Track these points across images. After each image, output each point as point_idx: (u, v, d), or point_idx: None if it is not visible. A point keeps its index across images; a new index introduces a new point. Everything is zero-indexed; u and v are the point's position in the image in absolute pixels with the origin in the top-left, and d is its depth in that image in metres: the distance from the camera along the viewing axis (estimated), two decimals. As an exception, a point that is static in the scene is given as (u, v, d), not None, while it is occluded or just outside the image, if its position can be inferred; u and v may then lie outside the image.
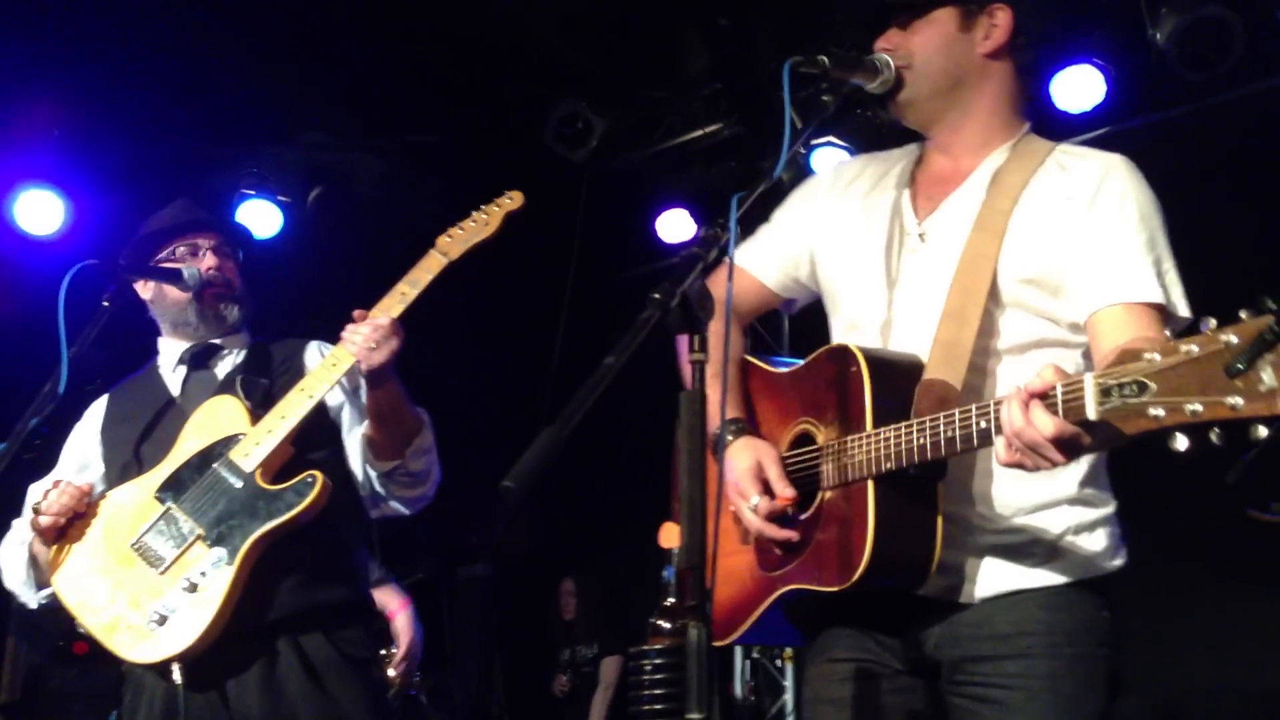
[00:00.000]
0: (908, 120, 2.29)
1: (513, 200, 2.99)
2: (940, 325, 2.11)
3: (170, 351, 3.22)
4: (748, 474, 2.16)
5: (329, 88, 5.89)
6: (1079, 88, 5.28)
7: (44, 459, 3.08)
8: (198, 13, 5.23)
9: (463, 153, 6.25)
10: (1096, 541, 2.13)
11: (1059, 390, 1.76)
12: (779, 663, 6.45)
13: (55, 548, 2.97)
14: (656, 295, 1.76)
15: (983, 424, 1.87)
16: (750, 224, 2.38)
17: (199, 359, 3.18)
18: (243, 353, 3.20)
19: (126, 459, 3.06)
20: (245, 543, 2.81)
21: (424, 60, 5.83)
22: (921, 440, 1.95)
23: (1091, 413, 1.71)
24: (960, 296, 2.11)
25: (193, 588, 2.80)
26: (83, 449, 3.18)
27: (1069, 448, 1.78)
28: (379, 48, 5.65)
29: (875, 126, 5.02)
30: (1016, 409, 1.78)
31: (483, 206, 2.99)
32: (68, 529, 2.96)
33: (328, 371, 2.89)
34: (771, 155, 2.02)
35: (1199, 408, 1.59)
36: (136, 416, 3.12)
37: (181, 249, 3.18)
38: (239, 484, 2.86)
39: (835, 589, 2.04)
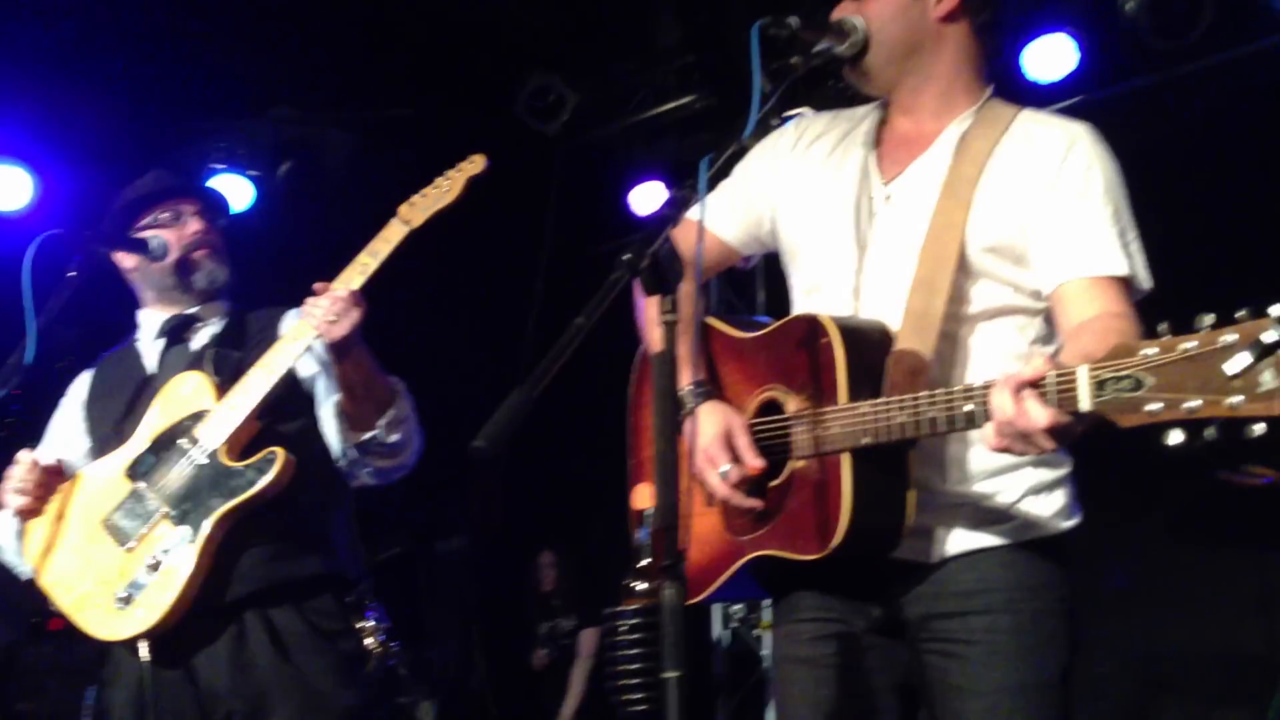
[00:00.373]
0: (867, 88, 2.31)
1: (474, 164, 2.91)
2: (911, 294, 2.12)
3: (149, 324, 3.20)
4: (716, 440, 2.16)
5: (298, 62, 5.84)
6: (1050, 57, 5.28)
7: (17, 435, 3.07)
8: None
9: (433, 126, 6.21)
10: (1054, 501, 2.17)
11: (1051, 380, 1.76)
12: (755, 633, 6.49)
13: (32, 524, 2.98)
14: (626, 256, 1.77)
15: (968, 407, 1.89)
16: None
17: (176, 331, 3.15)
18: (220, 324, 3.17)
19: (107, 434, 3.06)
20: (208, 520, 2.80)
21: (394, 33, 5.78)
22: (902, 419, 1.96)
23: (1085, 404, 1.72)
24: (930, 265, 2.12)
25: (157, 566, 2.81)
26: (67, 425, 3.18)
27: (1061, 436, 1.79)
28: (348, 21, 5.61)
29: (848, 97, 5.00)
30: (1007, 397, 1.79)
31: (446, 172, 2.93)
32: (44, 505, 2.96)
33: (289, 346, 2.87)
34: (743, 122, 2.03)
35: (1198, 404, 1.61)
36: (116, 393, 3.11)
37: (165, 215, 3.15)
38: (204, 461, 2.85)
39: (810, 557, 2.07)
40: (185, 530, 2.81)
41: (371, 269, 2.82)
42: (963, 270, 2.14)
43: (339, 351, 2.81)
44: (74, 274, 2.96)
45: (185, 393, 2.97)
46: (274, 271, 3.38)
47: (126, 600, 2.81)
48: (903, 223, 2.20)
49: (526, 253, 6.26)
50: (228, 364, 3.00)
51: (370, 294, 2.84)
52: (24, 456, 3.04)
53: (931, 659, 2.15)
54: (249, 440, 2.89)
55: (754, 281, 6.53)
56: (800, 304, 2.33)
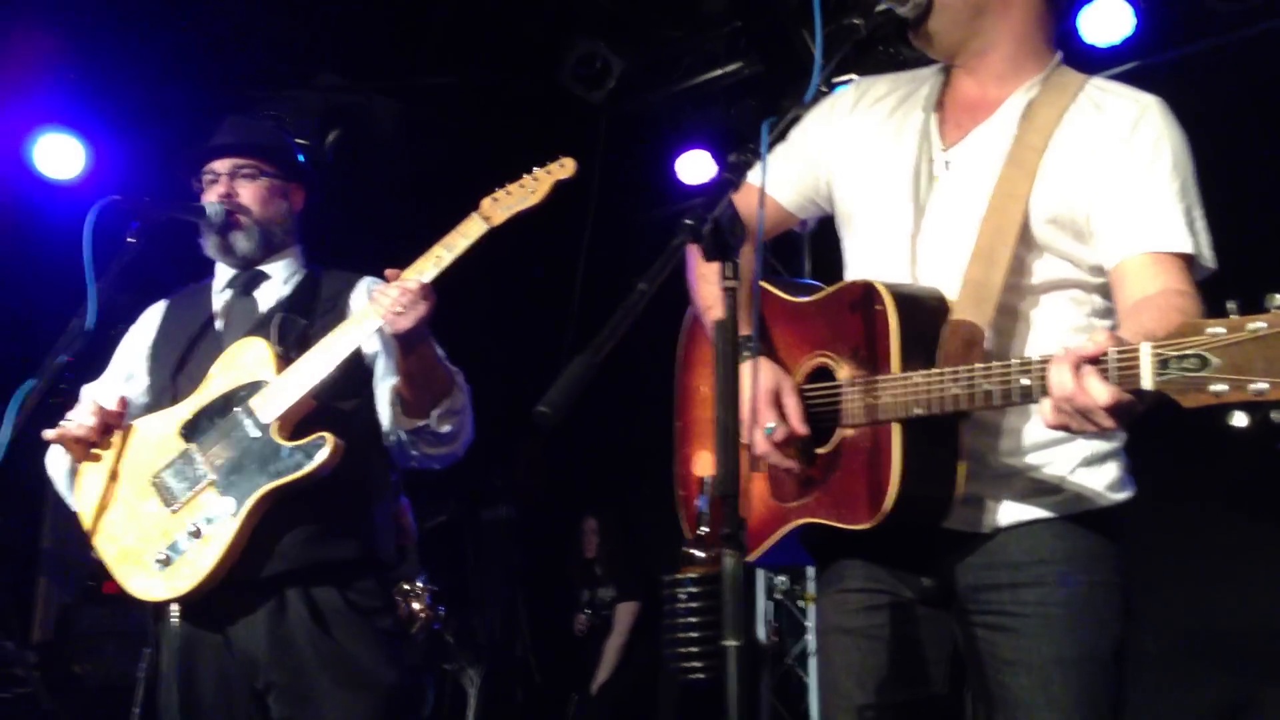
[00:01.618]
0: (931, 51, 2.25)
1: (564, 167, 2.84)
2: (970, 264, 2.09)
3: (221, 273, 3.19)
4: (765, 396, 2.13)
5: (345, 30, 5.85)
6: (1107, 20, 5.19)
7: (74, 400, 3.10)
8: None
9: (480, 94, 6.21)
10: (1107, 474, 2.14)
11: (1113, 356, 1.73)
12: (801, 604, 6.49)
13: (85, 466, 2.99)
14: (688, 221, 1.75)
15: (1024, 381, 1.85)
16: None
17: (245, 286, 3.13)
18: (291, 284, 3.14)
19: (164, 383, 3.06)
20: (252, 496, 2.80)
21: (440, 1, 5.77)
22: (956, 391, 1.93)
23: (1147, 382, 1.69)
24: (991, 235, 2.09)
25: (197, 533, 2.81)
26: (131, 359, 3.18)
27: (1122, 415, 1.75)
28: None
29: (899, 63, 4.95)
30: (1067, 372, 1.75)
31: (534, 171, 2.84)
32: (98, 448, 2.96)
33: (353, 330, 2.83)
34: (793, 92, 1.99)
35: (1265, 387, 1.58)
36: (181, 337, 3.10)
37: (207, 179, 3.15)
38: (256, 434, 2.84)
39: (858, 527, 2.05)
40: (229, 502, 2.82)
41: (446, 262, 2.77)
42: (1024, 242, 2.10)
43: (404, 343, 2.77)
44: (133, 240, 2.96)
45: (247, 359, 2.95)
46: (322, 240, 3.37)
47: (165, 562, 2.82)
48: (963, 190, 2.16)
49: (573, 220, 6.26)
50: (293, 332, 2.97)
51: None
52: (87, 396, 3.04)
53: (980, 631, 2.13)
54: (303, 417, 2.88)
55: (801, 248, 6.48)
56: (854, 269, 2.30)
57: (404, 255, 3.03)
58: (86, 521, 2.97)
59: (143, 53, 5.58)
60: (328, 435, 2.80)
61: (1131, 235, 2.06)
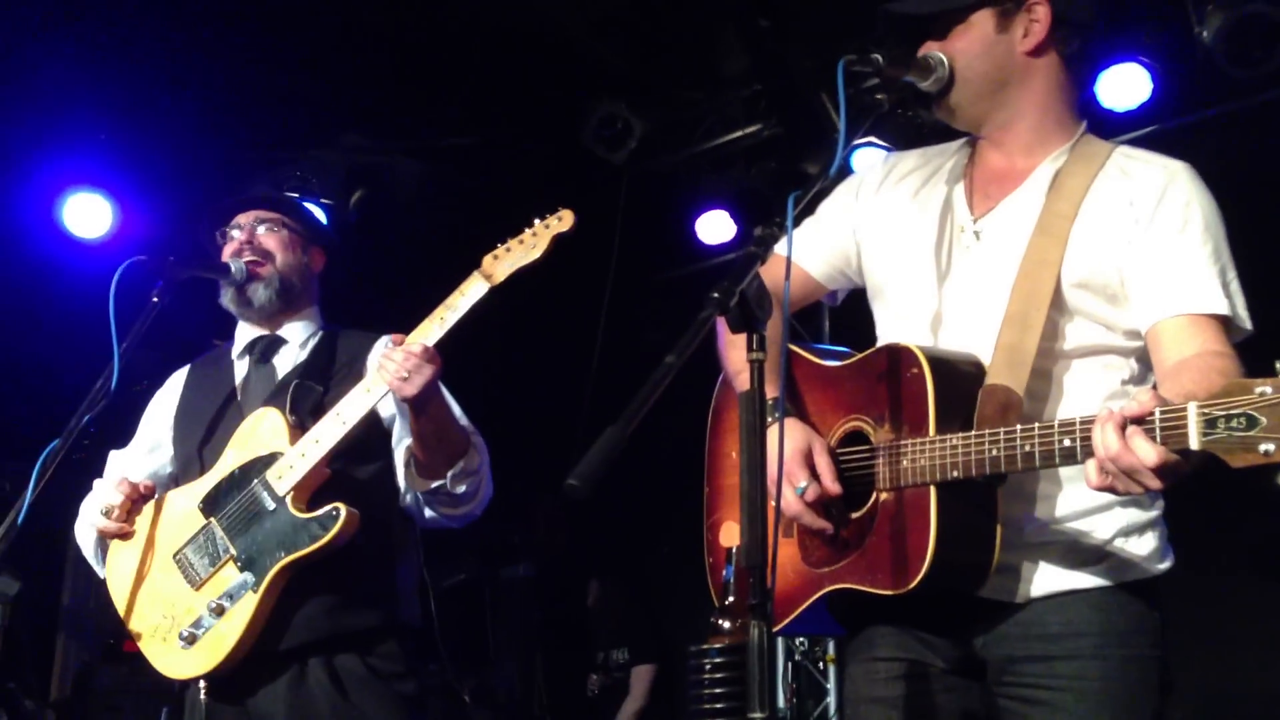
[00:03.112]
0: (955, 123, 2.28)
1: (562, 220, 2.77)
2: (1002, 330, 2.09)
3: (241, 337, 3.20)
4: (796, 456, 2.12)
5: (368, 91, 5.93)
6: (1124, 86, 5.23)
7: (98, 458, 3.12)
8: (239, 19, 5.29)
9: (502, 155, 6.28)
10: (1146, 543, 2.12)
11: (1158, 416, 1.72)
12: (821, 665, 6.42)
13: (114, 542, 3.01)
14: (715, 294, 1.76)
15: (1066, 442, 1.84)
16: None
17: (262, 353, 3.15)
18: (308, 347, 3.14)
19: (191, 455, 3.08)
20: (271, 570, 2.79)
21: (462, 63, 5.85)
22: (995, 453, 1.92)
23: (1194, 442, 1.68)
24: (1022, 301, 2.09)
25: (220, 610, 2.81)
26: (156, 429, 3.20)
27: (1168, 475, 1.74)
28: (418, 51, 5.68)
29: (917, 127, 4.99)
30: (1112, 433, 1.74)
31: (533, 224, 2.79)
32: (129, 527, 2.98)
33: (362, 398, 2.80)
34: (812, 155, 2.02)
35: None
36: (204, 408, 3.12)
37: (231, 232, 3.18)
38: (271, 506, 2.83)
39: (891, 593, 2.03)
40: (249, 577, 2.81)
41: (449, 324, 2.74)
42: (1056, 307, 2.10)
43: (413, 406, 2.75)
44: (157, 299, 2.99)
45: (262, 431, 2.95)
46: (346, 299, 3.40)
47: (190, 640, 2.83)
48: (993, 258, 2.18)
49: (593, 279, 6.29)
50: (308, 400, 2.96)
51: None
52: (114, 464, 3.07)
53: (1012, 704, 2.10)
54: (317, 487, 2.86)
55: (820, 311, 6.50)
56: (885, 338, 2.30)
57: (426, 315, 3.05)
58: (115, 598, 2.99)
59: (171, 114, 5.67)
60: (341, 506, 2.77)
61: (1167, 298, 2.06)
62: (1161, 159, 2.18)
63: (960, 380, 2.06)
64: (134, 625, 2.94)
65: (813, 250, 2.41)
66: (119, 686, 5.31)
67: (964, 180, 2.28)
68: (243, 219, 3.19)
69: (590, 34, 5.91)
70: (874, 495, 2.10)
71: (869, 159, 5.72)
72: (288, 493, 2.82)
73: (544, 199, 2.85)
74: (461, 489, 2.87)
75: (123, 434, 3.29)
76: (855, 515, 2.13)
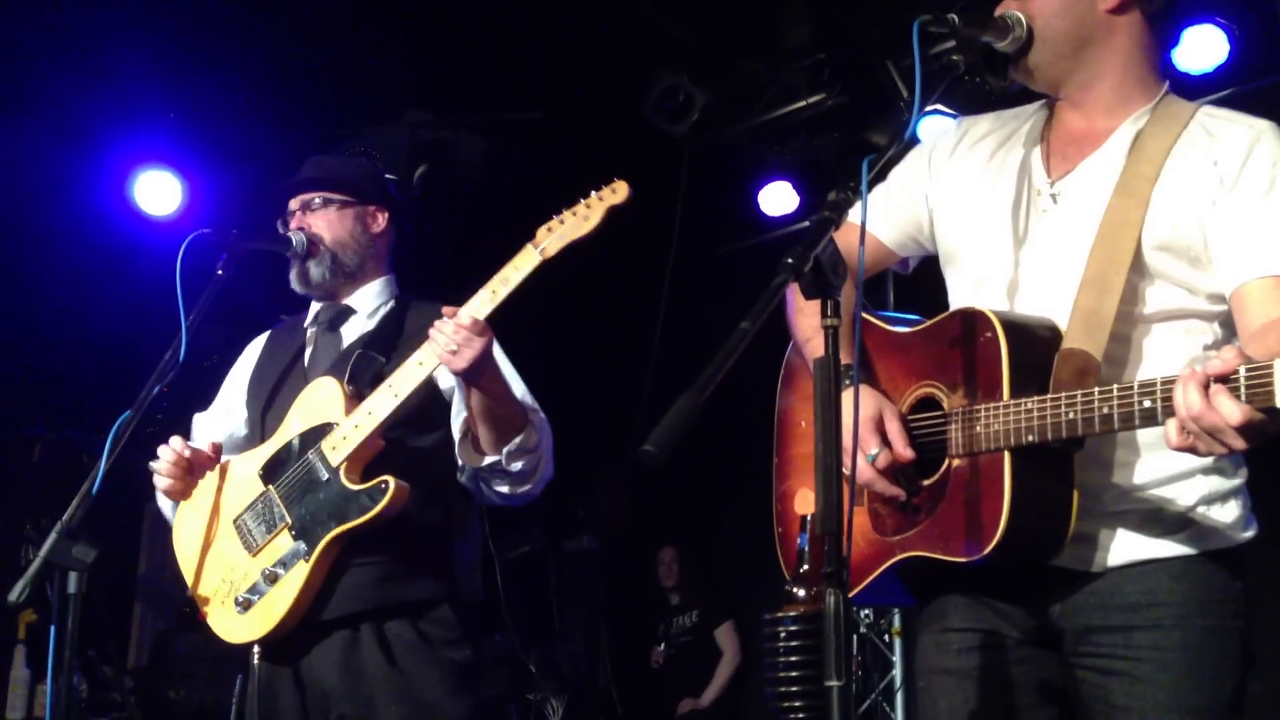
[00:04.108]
0: (1033, 84, 2.23)
1: (616, 193, 2.70)
2: (1080, 293, 2.05)
3: (314, 307, 3.22)
4: (867, 423, 2.10)
5: (432, 67, 5.96)
6: (1201, 48, 5.11)
7: (167, 431, 3.18)
8: (304, -4, 5.34)
9: (564, 128, 6.28)
10: (1229, 512, 2.08)
11: (1243, 374, 1.68)
12: (887, 638, 6.40)
13: (183, 505, 3.07)
14: (789, 260, 1.74)
15: (1146, 403, 1.80)
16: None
17: (330, 322, 3.16)
18: (376, 318, 3.14)
19: (256, 420, 3.12)
20: (322, 540, 2.81)
21: (524, 37, 5.86)
22: (1071, 415, 1.88)
23: None
24: (1101, 263, 2.05)
25: (274, 578, 2.84)
26: (231, 393, 3.25)
27: (1253, 435, 1.70)
28: (480, 26, 5.69)
29: (985, 94, 4.91)
30: (1194, 392, 1.70)
31: (588, 197, 2.72)
32: (191, 489, 3.03)
33: (414, 372, 2.78)
34: (876, 124, 1.99)
35: None
36: (272, 376, 3.15)
37: (294, 207, 3.19)
38: (325, 477, 2.84)
39: (964, 560, 2.00)
40: (301, 546, 2.84)
41: (501, 297, 2.70)
42: (1136, 270, 2.06)
43: (465, 379, 2.75)
44: (221, 271, 3.01)
45: (319, 400, 2.96)
46: (411, 274, 3.42)
47: (245, 606, 2.86)
48: (1072, 221, 2.13)
49: (655, 252, 6.28)
50: (369, 370, 2.95)
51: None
52: (199, 426, 3.13)
53: (1090, 674, 2.06)
54: (371, 458, 2.86)
55: (885, 280, 6.44)
56: (958, 304, 2.26)
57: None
58: (181, 561, 3.05)
59: (238, 93, 5.74)
60: (390, 479, 2.78)
61: (1252, 259, 2.01)
62: (1247, 118, 2.12)
63: (1036, 344, 2.02)
64: (196, 588, 2.99)
65: (885, 217, 2.37)
66: (195, 654, 5.43)
67: (1041, 143, 2.23)
68: (294, 203, 3.21)
69: (652, 6, 5.88)
70: (946, 462, 2.07)
71: (936, 127, 5.64)
72: (341, 464, 2.83)
73: (607, 172, 2.83)
74: (518, 466, 2.84)
75: (192, 406, 3.36)
76: (927, 482, 2.10)
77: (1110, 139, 2.16)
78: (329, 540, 2.81)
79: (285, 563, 2.85)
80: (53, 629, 2.40)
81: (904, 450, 2.08)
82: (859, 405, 2.06)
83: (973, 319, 2.07)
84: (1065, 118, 2.24)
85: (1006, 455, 1.96)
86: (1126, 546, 2.05)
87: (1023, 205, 2.18)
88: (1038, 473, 1.95)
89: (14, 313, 5.75)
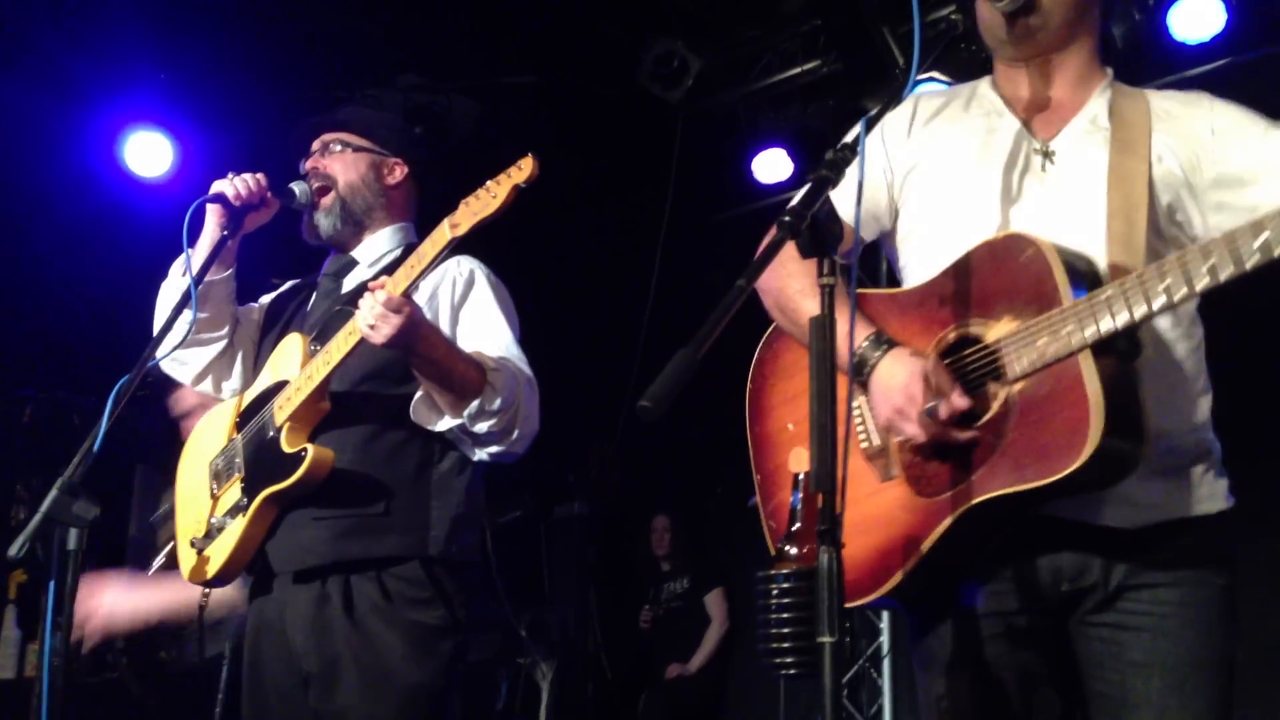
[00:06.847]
0: (1026, 45, 2.22)
1: (522, 170, 2.57)
2: (1110, 222, 2.05)
3: (330, 260, 3.18)
4: (912, 383, 2.03)
5: (426, 31, 5.92)
6: (1197, 17, 5.09)
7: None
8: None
9: (558, 93, 6.25)
10: (1224, 477, 2.14)
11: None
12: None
13: (191, 437, 3.11)
14: (786, 218, 1.73)
15: (1257, 242, 1.78)
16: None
17: (334, 274, 3.12)
18: (375, 268, 3.05)
19: (249, 368, 3.12)
20: (257, 498, 2.81)
21: (519, 1, 5.82)
22: (1163, 282, 1.85)
23: None
24: (1122, 200, 2.07)
25: (221, 527, 2.87)
26: (253, 319, 3.20)
27: None
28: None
29: (981, 61, 4.88)
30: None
31: (497, 176, 2.62)
32: (196, 420, 3.07)
33: (344, 340, 2.74)
34: (871, 91, 1.99)
35: None
36: (274, 326, 3.14)
37: (312, 152, 3.14)
38: (270, 434, 2.84)
39: (1053, 479, 1.90)
40: (244, 500, 2.85)
41: (416, 272, 2.66)
42: (1154, 209, 2.09)
43: (397, 350, 2.70)
44: (226, 232, 2.94)
45: (283, 356, 2.96)
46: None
47: (198, 550, 2.90)
48: (1076, 173, 2.14)
49: (649, 218, 6.27)
50: (340, 328, 2.82)
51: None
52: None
53: (1104, 631, 2.07)
54: (317, 420, 2.84)
55: (877, 251, 6.42)
56: (929, 273, 2.21)
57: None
58: (177, 490, 3.09)
59: (229, 53, 5.70)
60: (310, 447, 2.76)
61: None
62: (1183, 93, 2.23)
63: (1078, 259, 1.99)
64: (177, 522, 3.03)
65: (845, 198, 2.35)
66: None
67: (1010, 110, 2.24)
68: (316, 144, 3.14)
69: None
70: (1000, 393, 1.99)
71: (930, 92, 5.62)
72: (284, 424, 2.82)
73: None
74: (483, 428, 2.76)
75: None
76: (982, 421, 2.00)
77: (1088, 105, 2.21)
78: (263, 498, 2.81)
79: (231, 513, 2.87)
80: (51, 585, 2.38)
81: (960, 398, 1.99)
82: (894, 372, 2.06)
83: (1006, 243, 2.03)
84: (1032, 85, 2.24)
85: (1084, 354, 1.89)
86: (1157, 506, 2.06)
87: (1018, 165, 2.18)
88: (1113, 376, 1.89)
89: (2, 273, 5.73)
